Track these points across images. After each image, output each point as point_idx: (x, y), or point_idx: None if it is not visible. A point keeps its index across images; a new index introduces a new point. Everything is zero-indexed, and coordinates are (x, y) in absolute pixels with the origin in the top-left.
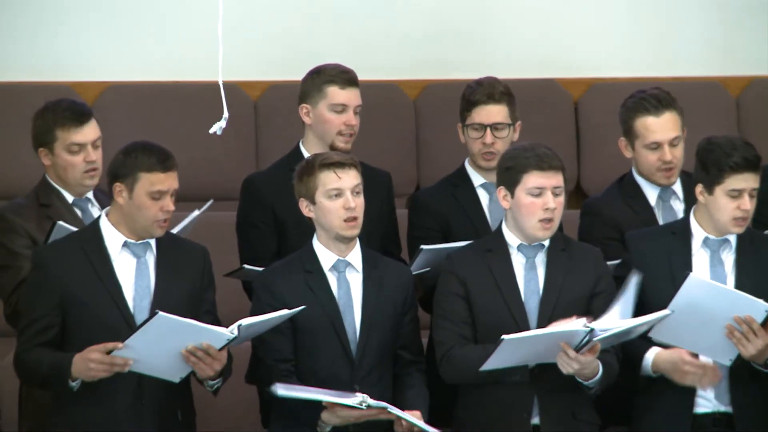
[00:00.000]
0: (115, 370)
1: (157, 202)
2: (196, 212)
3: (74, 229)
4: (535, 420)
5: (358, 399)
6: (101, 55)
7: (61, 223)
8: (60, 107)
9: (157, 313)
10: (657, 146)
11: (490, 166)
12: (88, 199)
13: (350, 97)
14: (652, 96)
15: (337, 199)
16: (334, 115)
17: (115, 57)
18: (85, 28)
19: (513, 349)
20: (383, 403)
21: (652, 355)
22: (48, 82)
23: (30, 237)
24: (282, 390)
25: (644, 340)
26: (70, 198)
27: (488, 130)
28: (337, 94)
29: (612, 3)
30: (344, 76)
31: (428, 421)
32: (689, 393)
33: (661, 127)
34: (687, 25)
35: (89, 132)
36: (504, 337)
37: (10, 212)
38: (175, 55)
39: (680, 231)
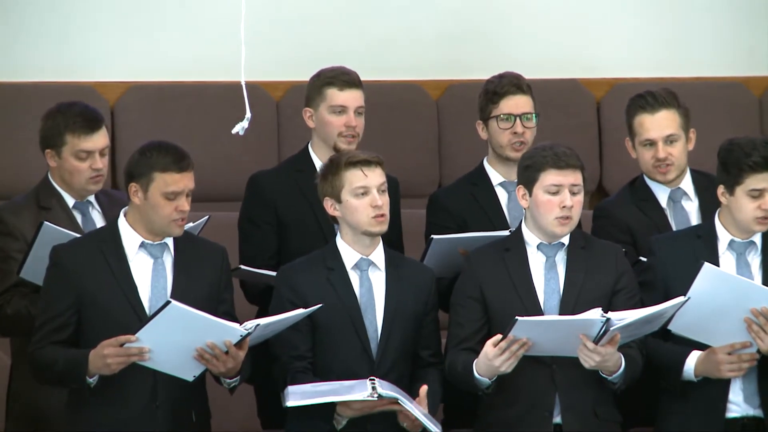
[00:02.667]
0: (132, 360)
1: (172, 203)
2: (191, 224)
3: (62, 230)
4: (557, 419)
5: (368, 392)
6: (123, 55)
7: (47, 223)
8: (72, 112)
9: (169, 302)
10: (651, 143)
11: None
12: (89, 203)
13: (349, 98)
14: (650, 94)
15: (364, 197)
16: (335, 117)
17: (138, 57)
18: (108, 28)
19: (526, 332)
20: (394, 394)
21: (693, 360)
22: (70, 83)
23: (25, 240)
24: (291, 400)
25: (681, 345)
26: (71, 201)
27: (518, 119)
28: (335, 95)
29: (635, 3)
30: (343, 78)
31: (447, 421)
32: (720, 396)
33: (655, 124)
34: (710, 25)
35: (99, 140)
36: (518, 317)
37: (7, 213)
38: (197, 55)
39: (705, 234)
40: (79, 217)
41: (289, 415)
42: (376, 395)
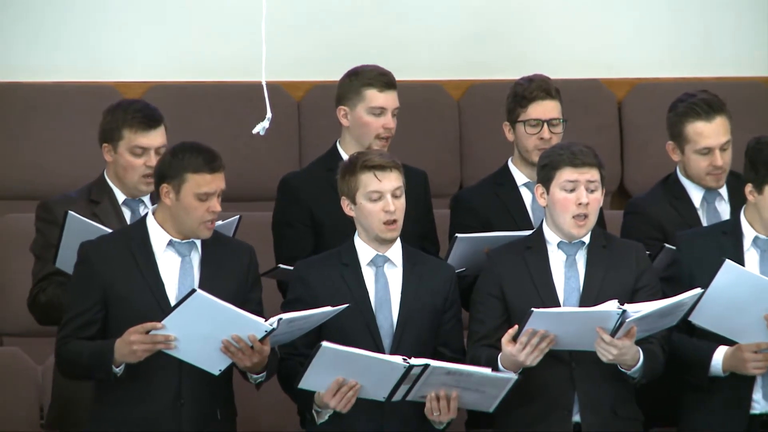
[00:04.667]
0: (158, 348)
1: (204, 203)
2: (220, 222)
3: (87, 221)
4: (576, 417)
5: (399, 358)
6: (144, 55)
7: (71, 213)
8: (132, 108)
9: (194, 290)
10: (708, 151)
11: None
12: (140, 200)
13: (388, 100)
14: (703, 101)
15: (377, 201)
16: (373, 118)
17: (159, 57)
18: (129, 28)
19: (542, 324)
20: (425, 360)
21: (720, 355)
22: (92, 83)
23: None
24: (326, 344)
25: (708, 341)
26: (121, 197)
27: (545, 125)
28: (375, 97)
29: (656, 3)
30: (383, 79)
31: (470, 422)
32: (746, 393)
33: (713, 132)
34: (731, 25)
35: (156, 138)
36: (533, 309)
37: (56, 204)
38: (218, 55)
39: (731, 231)
40: (127, 214)
41: (309, 417)
42: (408, 364)
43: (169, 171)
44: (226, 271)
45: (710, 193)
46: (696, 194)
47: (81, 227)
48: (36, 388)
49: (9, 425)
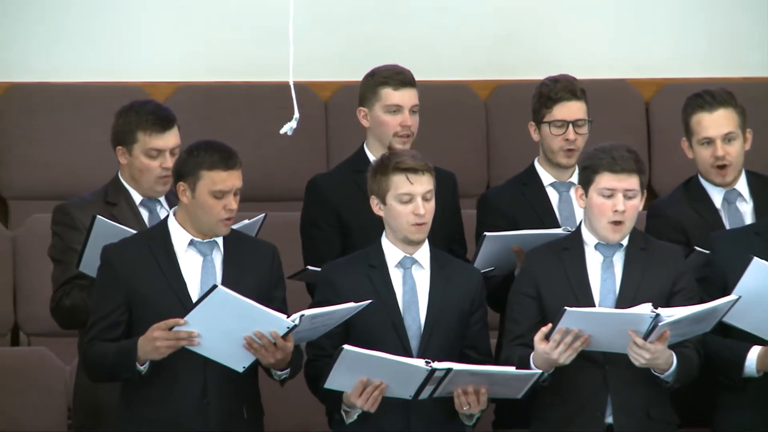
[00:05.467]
0: (181, 344)
1: (220, 201)
2: (246, 221)
3: (115, 224)
4: (609, 419)
5: (422, 361)
6: (172, 55)
7: (99, 217)
8: (145, 109)
9: (215, 286)
10: (709, 142)
11: (571, 164)
12: (157, 200)
13: (404, 97)
14: (707, 93)
15: (408, 204)
16: (390, 117)
17: (187, 57)
18: (156, 28)
19: (575, 324)
20: (448, 364)
21: (754, 355)
22: (120, 83)
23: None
24: (347, 347)
25: (743, 342)
26: (138, 198)
27: (570, 126)
28: (390, 95)
29: (683, 3)
30: (398, 77)
31: (498, 421)
32: None
33: (713, 123)
34: (758, 25)
35: (170, 139)
36: (566, 307)
37: (73, 207)
38: (246, 55)
39: (764, 231)
40: (145, 215)
41: (336, 417)
42: (431, 367)
43: (185, 169)
44: (249, 270)
45: (730, 193)
46: (717, 195)
47: (108, 230)
48: (64, 388)
49: (37, 425)
